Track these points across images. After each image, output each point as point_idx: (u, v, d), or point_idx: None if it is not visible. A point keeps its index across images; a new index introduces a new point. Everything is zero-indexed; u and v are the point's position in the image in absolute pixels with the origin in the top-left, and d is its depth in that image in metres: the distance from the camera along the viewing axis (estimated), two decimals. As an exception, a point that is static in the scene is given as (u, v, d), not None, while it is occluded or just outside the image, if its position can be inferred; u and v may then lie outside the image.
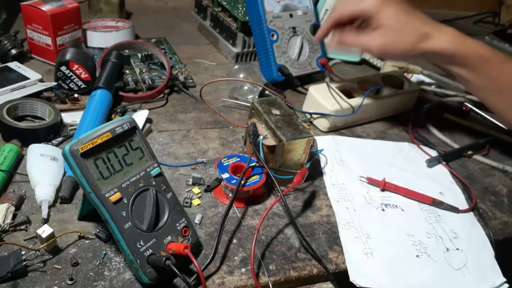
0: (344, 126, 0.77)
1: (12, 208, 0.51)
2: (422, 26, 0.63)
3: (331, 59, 1.00)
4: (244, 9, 0.90)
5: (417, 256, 0.56)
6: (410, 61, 0.92)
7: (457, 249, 0.58)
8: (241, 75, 0.81)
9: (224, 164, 0.58)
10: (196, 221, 0.54)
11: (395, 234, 0.58)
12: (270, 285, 0.49)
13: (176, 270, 0.42)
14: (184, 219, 0.49)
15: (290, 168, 0.60)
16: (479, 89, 0.66)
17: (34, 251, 0.46)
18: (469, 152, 0.76)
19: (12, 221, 0.49)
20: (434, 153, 0.74)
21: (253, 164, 0.58)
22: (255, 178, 0.57)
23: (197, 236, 0.50)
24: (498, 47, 0.85)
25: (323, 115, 0.74)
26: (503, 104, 0.65)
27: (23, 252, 0.46)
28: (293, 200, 0.61)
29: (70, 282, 0.45)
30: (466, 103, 0.86)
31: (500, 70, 0.63)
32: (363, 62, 1.02)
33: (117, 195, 0.43)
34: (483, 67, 0.63)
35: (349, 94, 0.77)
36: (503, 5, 1.49)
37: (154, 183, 0.47)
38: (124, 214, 0.44)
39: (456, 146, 0.77)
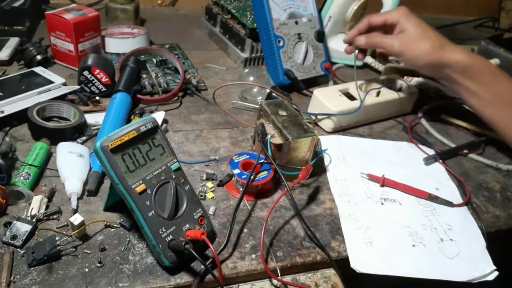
0: (347, 127, 0.82)
1: (45, 200, 0.56)
2: (439, 40, 0.70)
3: (335, 63, 1.05)
4: (252, 16, 0.95)
5: (413, 245, 0.61)
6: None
7: (451, 239, 0.63)
8: (251, 78, 0.87)
9: (235, 161, 0.64)
10: (210, 212, 0.59)
11: (393, 226, 0.63)
12: (278, 270, 0.54)
13: (195, 253, 0.47)
14: (200, 209, 0.54)
15: (296, 164, 0.65)
16: (484, 102, 0.70)
17: (66, 237, 0.52)
18: (465, 151, 0.80)
19: (46, 211, 0.55)
20: (431, 152, 0.79)
21: (262, 161, 0.63)
22: (264, 173, 0.62)
23: (211, 225, 0.56)
24: (494, 51, 0.89)
25: (327, 115, 0.79)
26: (503, 117, 0.70)
27: (57, 238, 0.51)
28: (298, 194, 0.66)
29: (99, 265, 0.50)
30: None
31: (505, 85, 0.69)
32: (365, 66, 1.07)
33: (142, 187, 0.49)
34: (491, 80, 0.69)
35: (351, 97, 0.82)
36: (502, 10, 1.54)
37: (174, 176, 0.52)
38: (148, 204, 0.49)
39: (452, 145, 0.81)
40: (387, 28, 0.75)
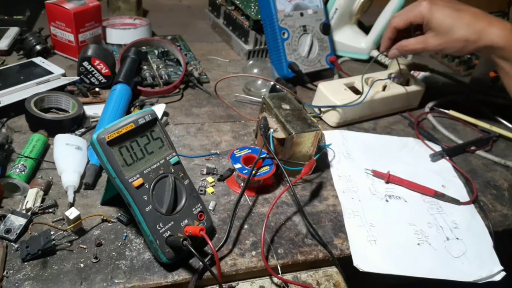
0: (352, 122, 0.80)
1: (41, 193, 0.55)
2: (474, 24, 0.66)
3: (340, 56, 1.03)
4: (257, 8, 0.93)
5: (418, 244, 0.59)
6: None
7: (457, 238, 0.61)
8: (255, 70, 0.85)
9: (237, 155, 0.62)
10: (210, 208, 0.58)
11: (397, 224, 0.61)
12: (279, 267, 0.52)
13: (193, 250, 0.45)
14: (199, 204, 0.52)
15: (299, 160, 0.64)
16: None
17: (62, 231, 0.51)
18: (472, 148, 0.78)
19: (41, 204, 0.54)
20: (438, 148, 0.77)
21: (264, 155, 0.62)
22: (266, 168, 0.61)
23: (211, 220, 0.54)
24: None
25: (331, 107, 0.77)
26: None
27: (52, 232, 0.50)
28: (301, 190, 0.64)
29: (94, 260, 0.49)
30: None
31: None
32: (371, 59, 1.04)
33: (140, 181, 0.47)
34: None
35: (356, 91, 0.80)
36: (512, 4, 1.50)
37: (173, 170, 0.51)
38: (146, 198, 0.48)
39: (459, 141, 0.79)
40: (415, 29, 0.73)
